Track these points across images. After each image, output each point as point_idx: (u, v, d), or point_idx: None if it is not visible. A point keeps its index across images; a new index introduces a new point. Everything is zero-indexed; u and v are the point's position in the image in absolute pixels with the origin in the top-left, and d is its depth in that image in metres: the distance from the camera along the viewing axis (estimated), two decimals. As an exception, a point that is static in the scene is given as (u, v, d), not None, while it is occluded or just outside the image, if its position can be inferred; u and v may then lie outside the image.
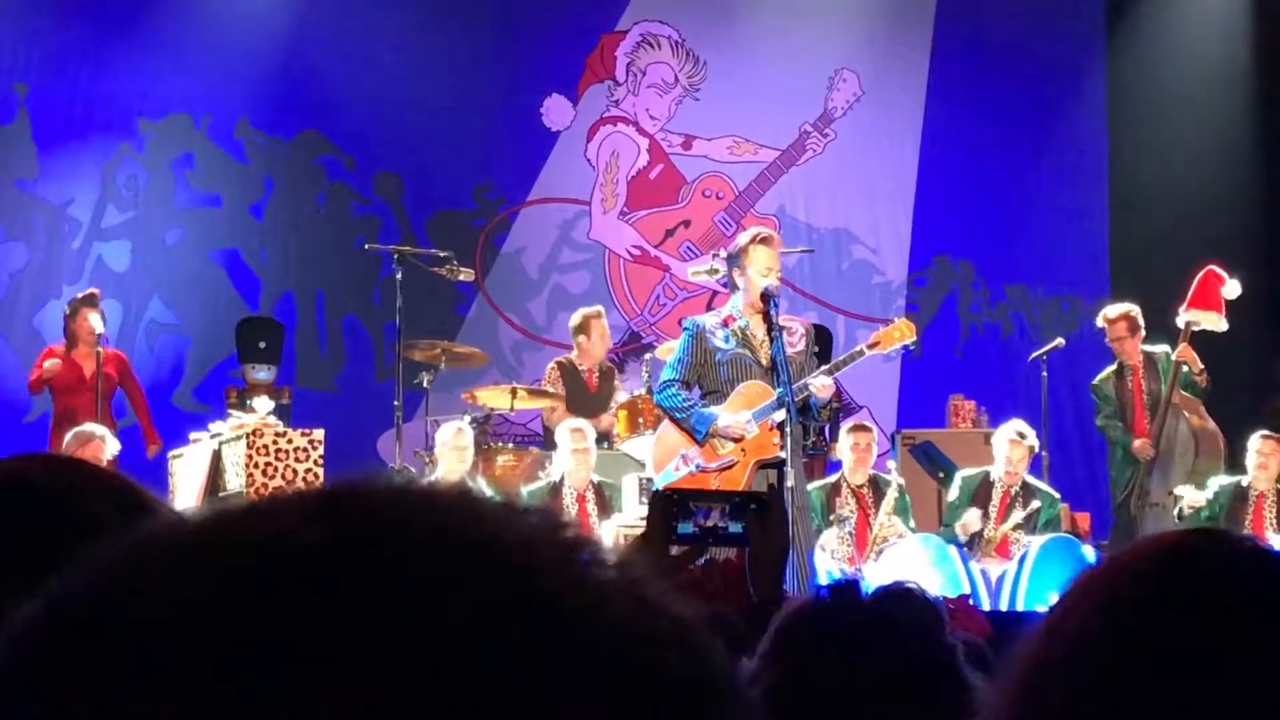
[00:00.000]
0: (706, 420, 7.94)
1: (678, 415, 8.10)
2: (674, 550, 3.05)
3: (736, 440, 7.91)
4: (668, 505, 3.04)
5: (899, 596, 1.94)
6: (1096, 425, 11.36)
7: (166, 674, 0.64)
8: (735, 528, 3.04)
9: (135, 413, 11.43)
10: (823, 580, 9.02)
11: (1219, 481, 10.38)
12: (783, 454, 7.76)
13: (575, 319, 11.72)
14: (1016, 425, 10.31)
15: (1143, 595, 1.14)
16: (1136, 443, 10.90)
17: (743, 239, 8.22)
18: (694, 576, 3.19)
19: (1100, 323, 11.17)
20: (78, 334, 11.24)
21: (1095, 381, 11.33)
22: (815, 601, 1.94)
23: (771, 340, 7.88)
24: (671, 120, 14.77)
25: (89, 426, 10.13)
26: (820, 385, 7.83)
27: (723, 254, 9.91)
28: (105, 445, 9.90)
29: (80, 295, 11.55)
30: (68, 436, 10.06)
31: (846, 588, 1.96)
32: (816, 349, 8.41)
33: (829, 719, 1.85)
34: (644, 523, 3.24)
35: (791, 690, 1.86)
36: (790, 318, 8.57)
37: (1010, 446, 10.18)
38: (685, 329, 8.27)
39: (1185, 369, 10.63)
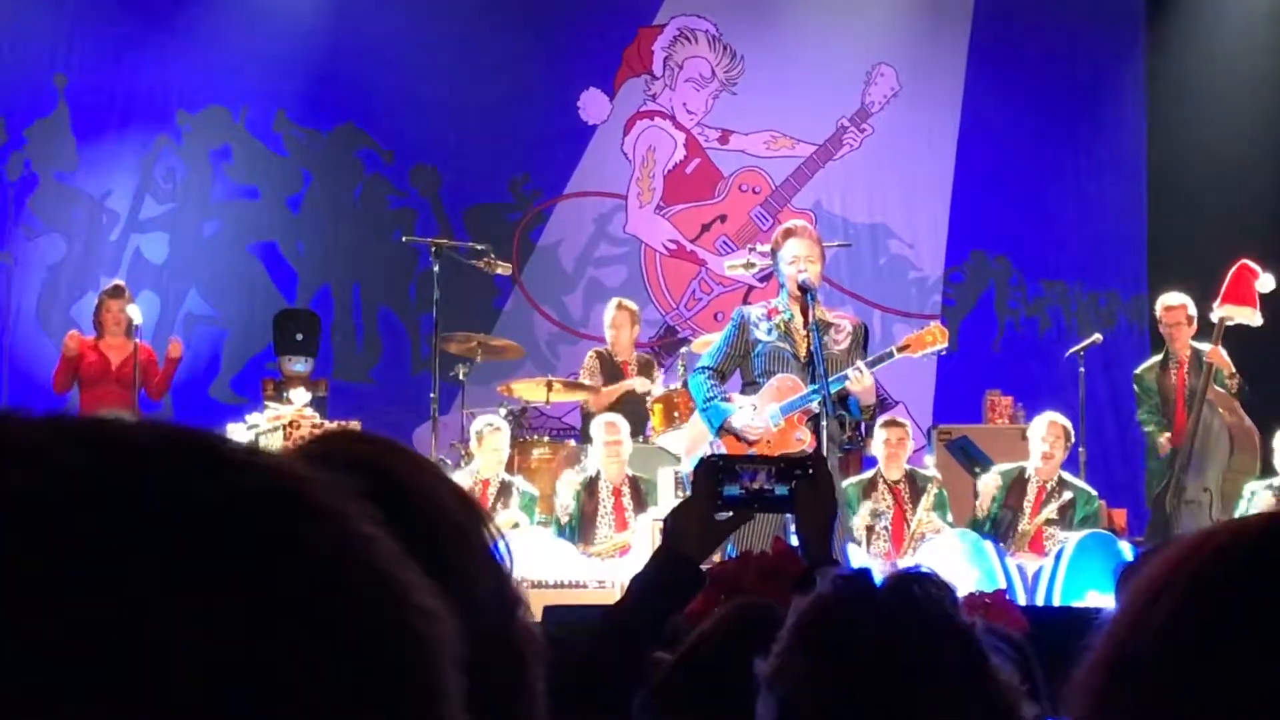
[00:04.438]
0: (721, 415, 7.97)
1: (699, 404, 8.18)
2: (720, 516, 3.05)
3: (752, 444, 7.91)
4: (713, 469, 3.04)
5: (912, 580, 1.94)
6: (1138, 419, 11.36)
7: None
8: (782, 490, 3.04)
9: (153, 386, 11.39)
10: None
11: (1250, 488, 10.32)
12: (806, 449, 7.77)
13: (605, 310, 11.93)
14: (1050, 414, 10.35)
15: (1233, 579, 1.12)
16: (1161, 439, 10.95)
17: (775, 235, 8.31)
18: (729, 570, 3.19)
19: (1158, 309, 11.15)
20: (105, 324, 11.29)
21: (1138, 371, 11.32)
22: (830, 592, 1.94)
23: (809, 334, 7.88)
24: (708, 114, 14.76)
25: (115, 414, 10.13)
26: (855, 377, 7.80)
27: (759, 248, 9.98)
28: None
29: (108, 287, 11.62)
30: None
31: (858, 576, 1.96)
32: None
33: (854, 706, 1.85)
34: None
35: (815, 681, 1.86)
36: (841, 315, 8.58)
37: (1047, 428, 10.19)
38: (732, 318, 8.34)
39: (1219, 372, 10.60)
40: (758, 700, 1.90)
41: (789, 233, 8.16)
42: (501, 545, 1.36)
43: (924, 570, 1.98)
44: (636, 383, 11.44)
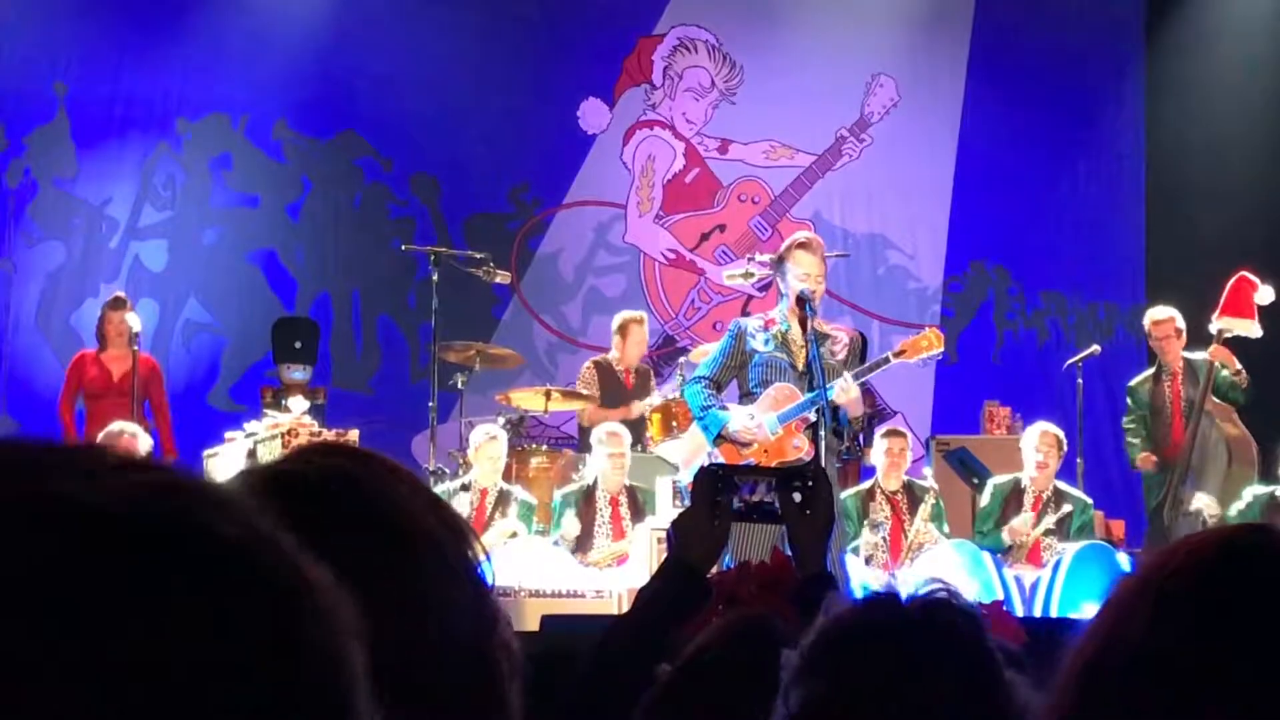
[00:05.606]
0: (719, 423, 7.98)
1: (695, 413, 8.18)
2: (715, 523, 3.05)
3: (746, 444, 7.92)
4: (713, 480, 3.04)
5: (940, 606, 1.92)
6: (1123, 426, 11.32)
7: None
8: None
9: (156, 420, 11.36)
10: (855, 585, 9.03)
11: (1253, 492, 10.32)
12: (804, 458, 7.78)
13: (616, 320, 11.82)
14: (1041, 424, 10.35)
15: (1199, 595, 1.13)
16: (1141, 456, 10.91)
17: (784, 244, 8.28)
18: (728, 580, 3.19)
19: (1146, 324, 11.14)
20: (108, 336, 11.28)
21: (1132, 383, 11.30)
22: (854, 611, 1.93)
23: (807, 344, 7.89)
24: (708, 124, 14.77)
25: (119, 424, 10.14)
26: (841, 388, 7.78)
27: (759, 258, 9.98)
28: (137, 442, 9.91)
29: (109, 300, 11.61)
30: (99, 437, 10.07)
31: (886, 598, 1.95)
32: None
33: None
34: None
35: (831, 702, 1.85)
36: (837, 326, 8.59)
37: (1039, 438, 10.19)
38: (729, 329, 8.35)
39: (1224, 373, 10.58)
40: (771, 711, 1.90)
41: (802, 245, 8.14)
42: (484, 562, 1.36)
43: (949, 593, 1.96)
44: (638, 408, 11.37)
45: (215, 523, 0.75)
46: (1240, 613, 1.11)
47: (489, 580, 1.35)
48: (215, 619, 0.71)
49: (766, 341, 8.06)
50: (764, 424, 7.94)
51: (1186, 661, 1.10)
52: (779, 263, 8.19)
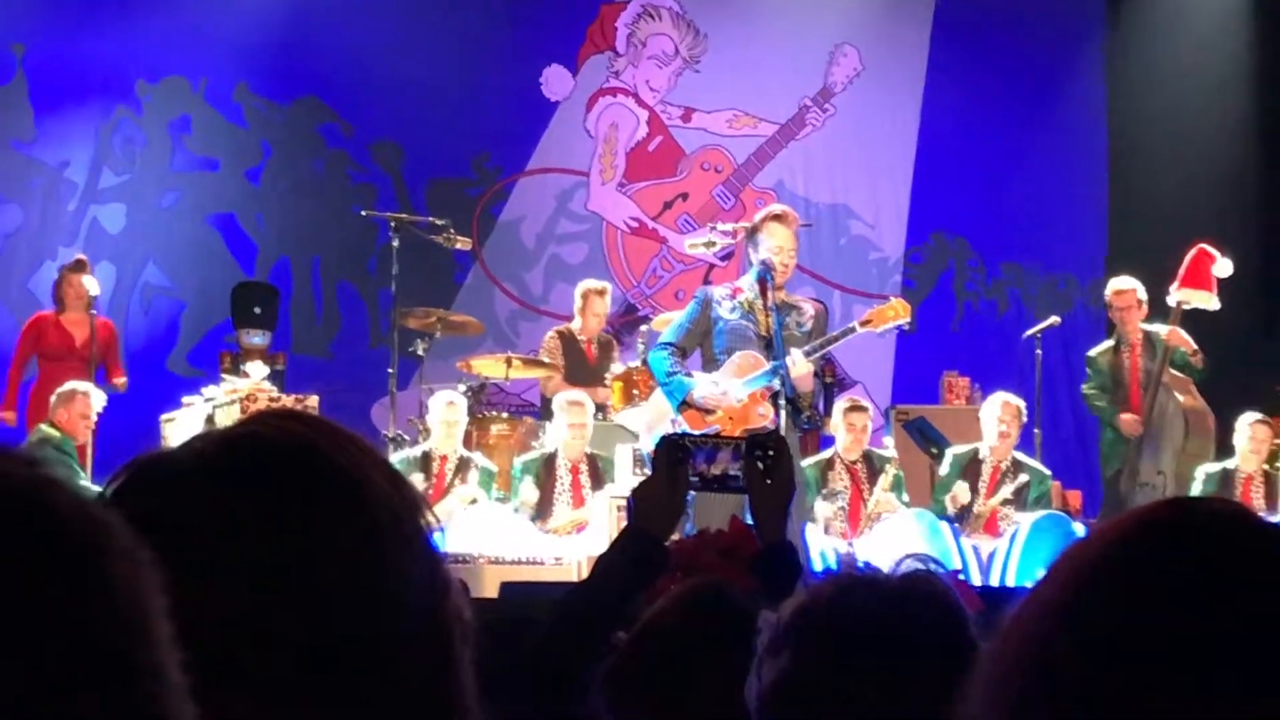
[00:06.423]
0: (684, 389, 7.98)
1: (660, 379, 8.17)
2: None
3: (710, 411, 7.93)
4: (673, 449, 3.04)
5: (918, 584, 1.91)
6: (1081, 392, 11.34)
7: None
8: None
9: (108, 359, 11.28)
10: (815, 555, 9.06)
11: (1205, 471, 10.40)
12: (769, 425, 7.79)
13: (577, 290, 11.80)
14: (1002, 395, 10.38)
15: (1111, 567, 1.13)
16: (1123, 417, 10.90)
17: (760, 215, 8.31)
18: (687, 548, 3.19)
19: (1108, 294, 11.18)
20: (66, 299, 11.21)
21: (1092, 353, 11.34)
22: (831, 587, 1.92)
23: (769, 313, 7.90)
24: (671, 92, 14.75)
25: (71, 383, 10.11)
26: (789, 364, 7.78)
27: (721, 227, 9.99)
28: (91, 400, 9.89)
29: (69, 262, 11.54)
30: (53, 397, 10.05)
31: (864, 574, 1.94)
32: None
33: (841, 712, 1.84)
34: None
35: (806, 678, 1.85)
36: (802, 298, 8.61)
37: (1001, 408, 10.22)
38: (695, 296, 8.37)
39: (1179, 351, 10.64)
40: (726, 675, 1.89)
41: (778, 218, 8.17)
42: (437, 532, 1.36)
43: (930, 571, 1.95)
44: (603, 393, 11.32)
45: (6, 471, 0.76)
46: (1147, 597, 1.11)
47: (440, 549, 1.36)
48: (7, 557, 0.72)
49: (733, 309, 8.07)
50: (729, 391, 7.94)
51: (1089, 639, 1.10)
52: (752, 233, 8.20)
